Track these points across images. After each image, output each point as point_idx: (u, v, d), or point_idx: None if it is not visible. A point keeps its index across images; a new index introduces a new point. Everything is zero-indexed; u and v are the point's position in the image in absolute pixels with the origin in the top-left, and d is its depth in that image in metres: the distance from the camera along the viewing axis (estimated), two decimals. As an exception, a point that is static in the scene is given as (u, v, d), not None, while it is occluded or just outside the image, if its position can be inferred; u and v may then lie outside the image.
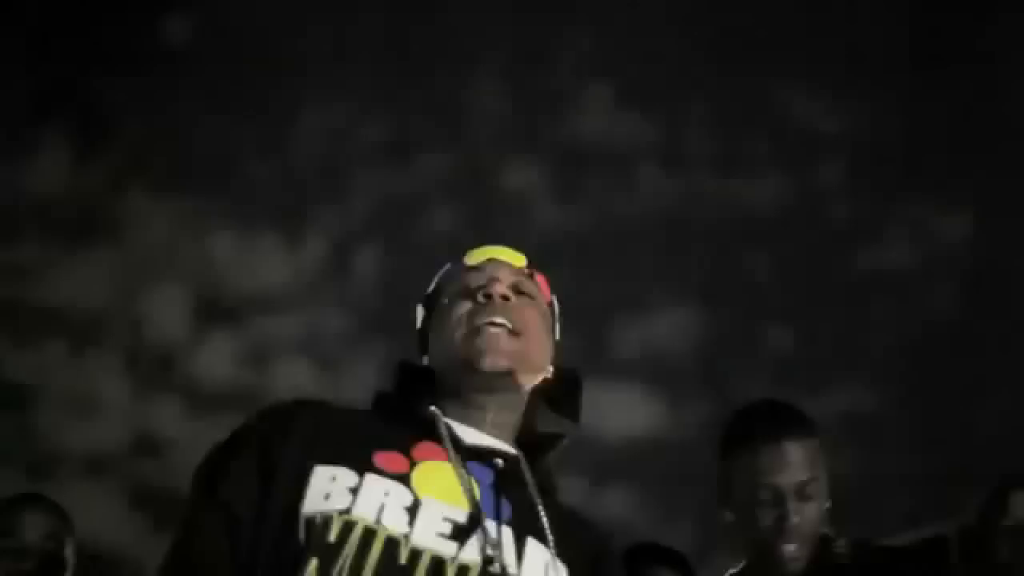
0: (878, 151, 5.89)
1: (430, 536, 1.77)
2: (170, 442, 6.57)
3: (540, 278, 2.11)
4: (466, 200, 6.69)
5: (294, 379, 6.35)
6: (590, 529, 2.01)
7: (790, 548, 2.48)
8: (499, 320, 1.95)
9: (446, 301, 2.02)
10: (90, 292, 6.74)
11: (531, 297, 2.04)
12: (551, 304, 2.13)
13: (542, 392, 2.05)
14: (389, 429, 1.90)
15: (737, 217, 6.50)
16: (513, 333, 1.95)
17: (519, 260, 2.09)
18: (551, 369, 2.06)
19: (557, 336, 2.12)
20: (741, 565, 2.70)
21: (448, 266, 2.11)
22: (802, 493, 2.50)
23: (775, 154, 6.29)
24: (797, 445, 2.55)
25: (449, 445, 1.86)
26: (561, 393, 2.06)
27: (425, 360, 2.06)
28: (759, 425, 2.60)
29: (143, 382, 6.78)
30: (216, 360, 6.70)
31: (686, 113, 6.61)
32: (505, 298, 1.97)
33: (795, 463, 2.52)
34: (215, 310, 6.74)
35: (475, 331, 1.94)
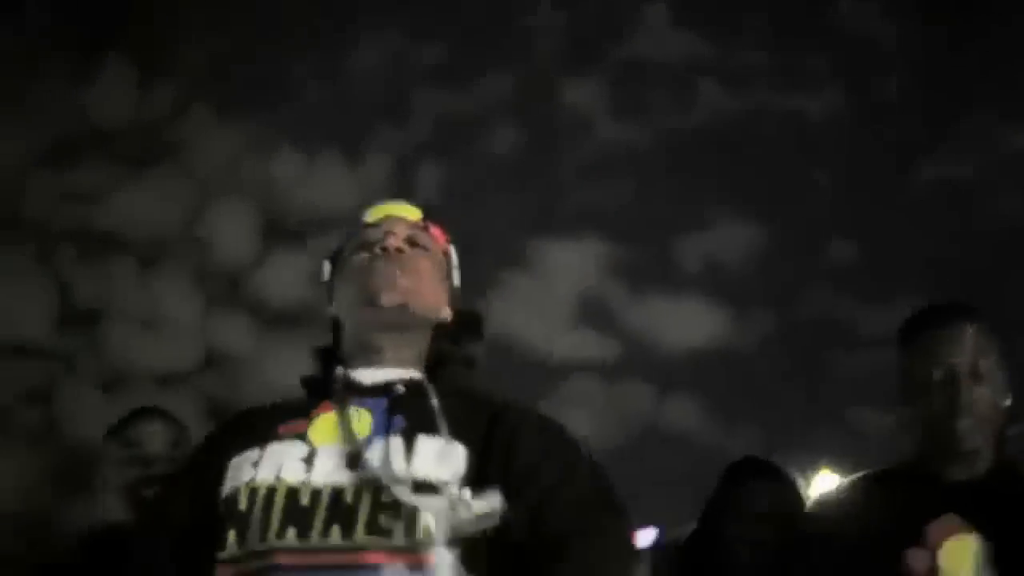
0: (939, 61, 5.81)
1: (327, 474, 1.75)
2: (239, 358, 6.66)
3: (435, 230, 2.05)
4: (527, 119, 6.67)
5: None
6: (481, 403, 1.91)
7: (964, 423, 2.23)
8: (394, 268, 1.93)
9: (347, 255, 2.01)
10: (157, 214, 6.82)
11: (425, 248, 1.98)
12: (447, 253, 2.06)
13: (445, 334, 2.01)
14: (297, 402, 1.92)
15: (797, 130, 6.44)
16: (408, 279, 1.92)
17: (414, 214, 2.02)
18: (448, 312, 2.00)
19: (456, 282, 2.06)
20: (890, 464, 2.67)
21: (349, 230, 2.08)
22: (976, 373, 2.48)
23: (834, 67, 6.21)
24: (970, 328, 2.51)
25: (339, 391, 1.88)
26: (464, 331, 2.05)
27: (332, 310, 2.05)
28: (934, 310, 2.57)
29: (211, 301, 6.86)
30: (282, 278, 6.75)
31: (743, 28, 6.53)
32: (399, 250, 1.93)
33: (968, 344, 2.27)
34: (280, 230, 6.79)
35: (372, 273, 1.91)
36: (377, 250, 1.94)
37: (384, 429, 1.79)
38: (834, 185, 5.92)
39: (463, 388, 1.95)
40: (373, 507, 1.70)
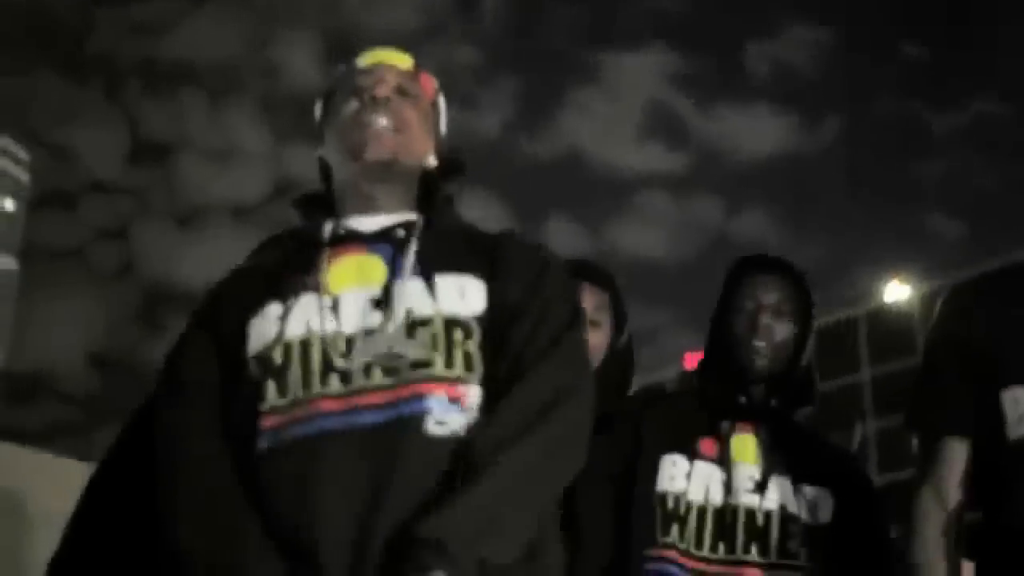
0: None
1: (356, 320, 2.02)
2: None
3: (425, 78, 2.28)
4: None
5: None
6: (478, 236, 2.19)
7: (759, 344, 2.78)
8: (382, 120, 2.15)
9: (338, 100, 2.22)
10: (222, 43, 6.78)
11: (414, 97, 2.21)
12: (435, 102, 2.31)
13: (431, 177, 2.26)
14: (302, 256, 2.12)
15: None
16: (395, 130, 2.15)
17: (405, 62, 2.26)
18: (434, 160, 2.25)
19: (443, 130, 2.32)
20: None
21: (342, 68, 2.27)
22: (778, 311, 2.80)
23: None
24: (778, 280, 2.83)
25: (347, 242, 2.13)
26: (447, 173, 2.27)
27: (320, 152, 2.28)
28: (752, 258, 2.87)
29: (280, 129, 6.86)
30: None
31: None
32: (388, 99, 2.16)
33: (776, 291, 2.81)
34: (346, 52, 6.73)
35: (360, 125, 2.15)
36: (366, 98, 2.16)
37: (399, 271, 2.05)
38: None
39: (455, 224, 2.21)
40: (410, 343, 1.96)
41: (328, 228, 2.15)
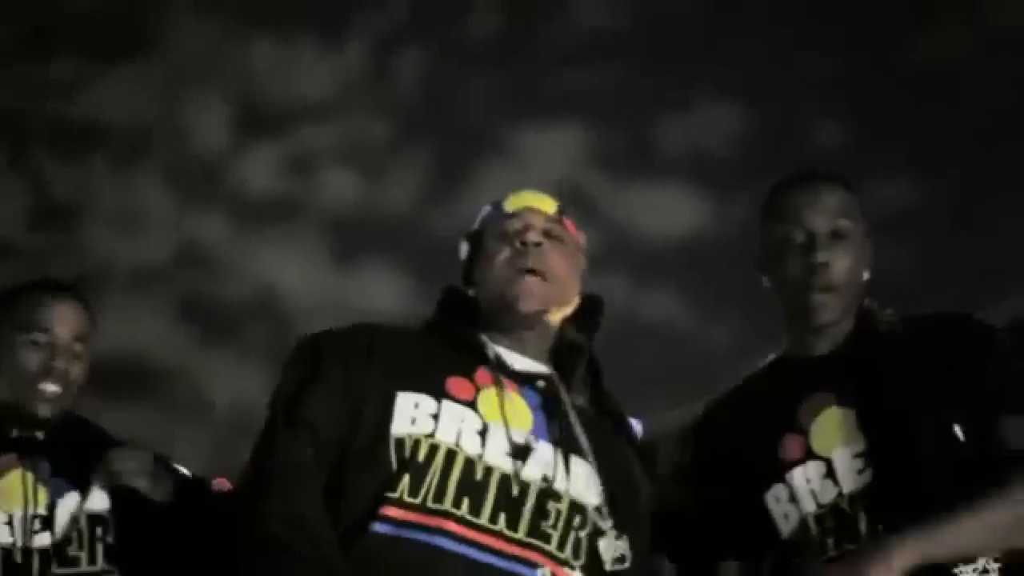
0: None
1: (499, 456, 2.12)
2: (216, 253, 6.58)
3: (568, 221, 2.38)
4: (505, 2, 6.56)
5: (338, 189, 6.30)
6: (621, 432, 2.34)
7: (818, 299, 2.40)
8: (533, 267, 2.23)
9: (489, 244, 2.30)
10: (130, 106, 6.69)
11: (561, 241, 2.31)
12: (578, 243, 2.40)
13: (571, 316, 2.34)
14: (452, 354, 2.21)
15: (780, 9, 6.34)
16: (544, 279, 2.23)
17: (550, 207, 2.36)
18: (578, 299, 2.33)
19: (584, 267, 2.39)
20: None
21: (489, 208, 2.38)
22: (837, 233, 2.41)
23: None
24: (831, 188, 2.48)
25: (497, 371, 2.19)
26: (586, 314, 2.36)
27: (471, 292, 2.34)
28: (798, 174, 2.55)
29: (187, 194, 6.78)
30: (259, 170, 6.66)
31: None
32: (538, 244, 2.25)
33: (829, 205, 2.44)
34: (257, 120, 6.67)
35: (513, 277, 2.23)
36: (518, 244, 2.27)
37: (545, 432, 2.18)
38: (820, 65, 5.83)
39: (601, 400, 2.34)
40: (537, 509, 2.10)
41: (486, 346, 2.24)
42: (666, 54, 6.13)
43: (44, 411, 2.54)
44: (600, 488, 2.18)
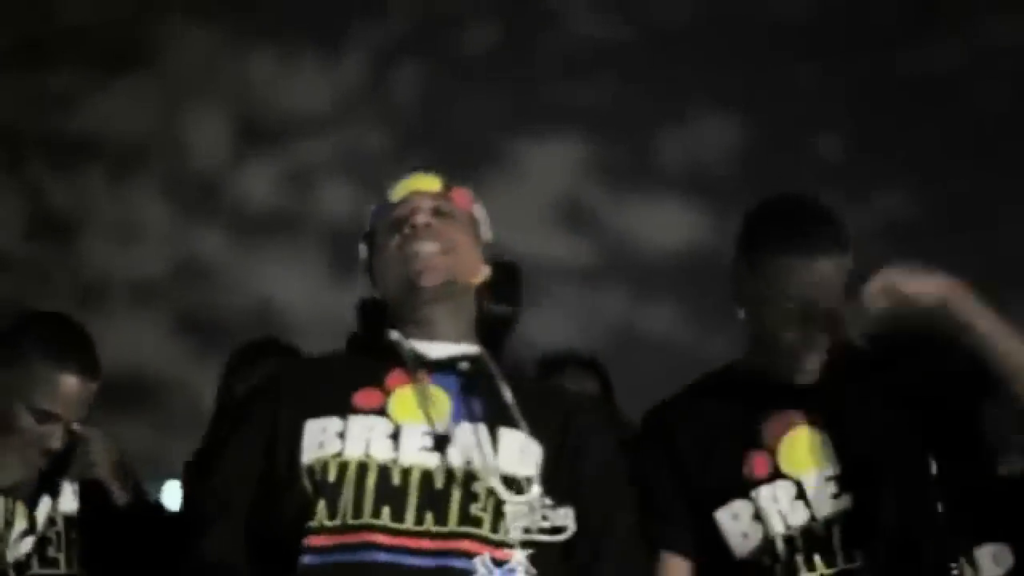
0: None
1: (414, 454, 2.03)
2: (214, 267, 6.57)
3: (458, 193, 2.31)
4: (504, 15, 6.56)
5: (336, 201, 6.30)
6: (552, 397, 2.24)
7: (802, 340, 2.31)
8: (428, 245, 2.17)
9: (380, 238, 2.24)
10: (128, 118, 6.67)
11: (451, 216, 2.24)
12: (473, 213, 2.32)
13: (486, 288, 2.28)
14: (363, 366, 2.14)
15: (778, 23, 6.35)
16: (442, 252, 2.17)
17: (434, 184, 2.30)
18: (487, 268, 2.26)
19: (487, 238, 2.33)
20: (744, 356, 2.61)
21: (374, 207, 2.32)
22: (832, 314, 2.38)
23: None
24: (828, 256, 2.41)
25: (412, 366, 2.11)
26: (502, 284, 2.30)
27: (375, 293, 2.27)
28: (794, 238, 2.46)
29: (185, 208, 6.76)
30: (258, 184, 6.65)
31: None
32: (428, 225, 2.19)
33: (827, 276, 2.30)
34: (255, 133, 6.67)
35: (409, 257, 2.16)
36: (407, 229, 2.19)
37: (465, 415, 2.09)
38: (817, 79, 5.83)
39: (518, 370, 2.25)
40: (464, 495, 2.01)
41: (393, 346, 2.16)
42: (665, 67, 6.13)
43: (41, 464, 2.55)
44: (538, 456, 2.07)
